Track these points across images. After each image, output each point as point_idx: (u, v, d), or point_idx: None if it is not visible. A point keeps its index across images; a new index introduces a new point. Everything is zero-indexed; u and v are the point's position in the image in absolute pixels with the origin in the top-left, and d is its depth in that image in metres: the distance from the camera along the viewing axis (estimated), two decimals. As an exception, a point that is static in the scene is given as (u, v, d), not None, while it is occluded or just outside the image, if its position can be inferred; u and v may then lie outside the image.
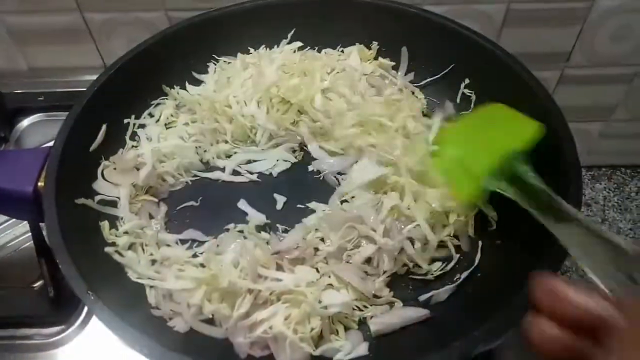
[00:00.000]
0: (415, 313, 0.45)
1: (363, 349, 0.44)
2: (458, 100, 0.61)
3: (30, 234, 0.60)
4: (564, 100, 0.77)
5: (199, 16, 0.63)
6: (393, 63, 0.64)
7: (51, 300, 0.56)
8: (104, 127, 0.55)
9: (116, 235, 0.51)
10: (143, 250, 0.50)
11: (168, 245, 0.51)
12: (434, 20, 0.61)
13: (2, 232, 0.63)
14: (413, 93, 0.62)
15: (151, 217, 0.53)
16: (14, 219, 0.63)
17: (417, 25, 0.62)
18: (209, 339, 0.45)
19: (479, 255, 0.49)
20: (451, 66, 0.61)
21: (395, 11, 0.62)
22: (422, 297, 0.47)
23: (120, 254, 0.49)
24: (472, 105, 0.60)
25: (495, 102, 0.57)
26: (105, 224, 0.51)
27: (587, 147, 0.88)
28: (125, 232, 0.51)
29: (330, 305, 0.44)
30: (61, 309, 0.56)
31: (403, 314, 0.45)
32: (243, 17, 0.64)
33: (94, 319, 0.55)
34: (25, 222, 0.61)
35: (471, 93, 0.60)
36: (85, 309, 0.56)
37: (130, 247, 0.50)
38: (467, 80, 0.60)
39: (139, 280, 0.47)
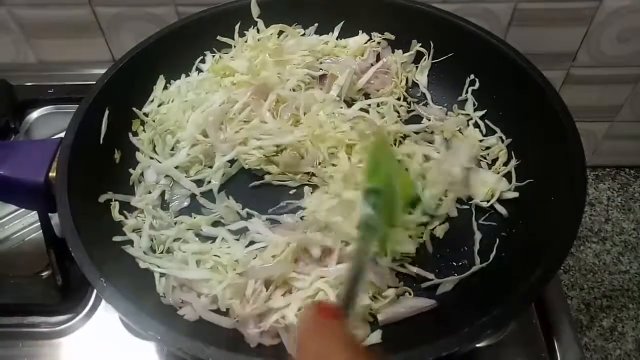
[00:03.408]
0: (422, 303, 0.46)
1: (376, 337, 0.44)
2: (463, 95, 0.61)
3: (38, 223, 0.61)
4: (569, 100, 0.77)
5: (208, 10, 0.64)
6: (392, 37, 0.64)
7: (59, 288, 0.57)
8: (106, 113, 0.55)
9: (125, 217, 0.52)
10: (153, 238, 0.51)
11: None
12: (440, 16, 0.61)
13: (11, 222, 0.64)
14: (407, 81, 0.63)
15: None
16: (23, 209, 0.63)
17: (423, 21, 0.62)
18: (219, 327, 0.45)
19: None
20: (457, 62, 0.62)
21: (402, 7, 0.63)
22: (426, 284, 0.48)
23: (130, 244, 0.50)
24: (476, 103, 0.61)
25: (501, 97, 0.58)
26: (115, 205, 0.52)
27: (592, 147, 0.88)
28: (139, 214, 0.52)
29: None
30: (69, 297, 0.56)
31: (410, 304, 0.45)
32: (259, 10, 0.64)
33: (101, 308, 0.56)
34: (34, 212, 0.62)
35: (476, 88, 0.61)
36: (93, 297, 0.56)
37: (138, 230, 0.51)
38: (472, 76, 0.61)
39: (158, 269, 0.48)
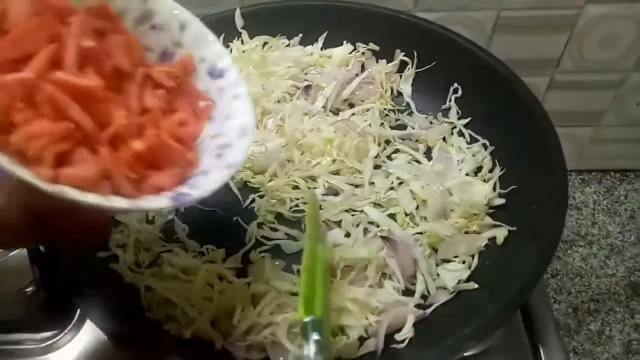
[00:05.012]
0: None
1: (372, 344, 0.44)
2: (447, 104, 0.62)
3: (23, 239, 0.60)
4: (554, 105, 0.79)
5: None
6: (377, 48, 0.65)
7: (43, 305, 0.56)
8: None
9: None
10: (139, 251, 0.51)
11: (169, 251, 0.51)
12: (423, 26, 0.62)
13: (-5, 237, 0.63)
14: (392, 90, 0.64)
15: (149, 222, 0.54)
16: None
17: (407, 31, 0.63)
18: (205, 342, 0.45)
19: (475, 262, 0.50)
20: (440, 71, 0.62)
21: (385, 17, 0.63)
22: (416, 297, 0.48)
23: (115, 259, 0.49)
24: (459, 111, 0.61)
25: (484, 106, 0.58)
26: None
27: (577, 151, 0.89)
28: (121, 231, 0.52)
29: (347, 334, 0.45)
30: (54, 313, 0.56)
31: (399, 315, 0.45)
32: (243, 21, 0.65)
33: (86, 324, 0.55)
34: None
35: (460, 97, 0.61)
36: (78, 314, 0.56)
37: (123, 246, 0.51)
38: (455, 85, 0.61)
39: (164, 294, 0.47)
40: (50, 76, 0.31)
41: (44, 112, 0.30)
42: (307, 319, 0.37)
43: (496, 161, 0.56)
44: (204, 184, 0.35)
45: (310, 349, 0.35)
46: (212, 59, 0.39)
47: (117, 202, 0.31)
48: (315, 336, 0.36)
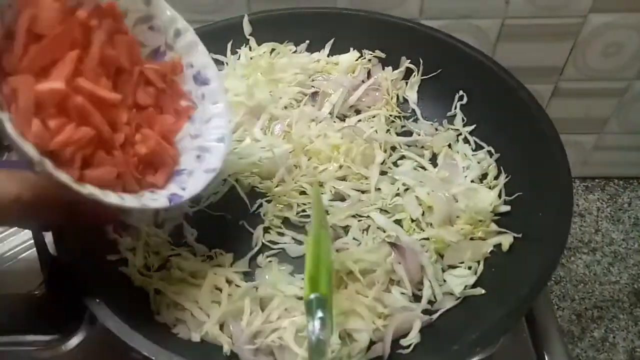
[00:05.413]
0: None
1: (380, 349, 0.45)
2: (452, 111, 0.62)
3: (32, 241, 0.61)
4: (558, 112, 0.79)
5: (199, 28, 0.63)
6: (383, 55, 0.65)
7: (52, 307, 0.57)
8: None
9: (120, 236, 0.52)
10: (148, 254, 0.51)
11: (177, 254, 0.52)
12: (428, 34, 0.63)
13: (5, 240, 0.64)
14: (397, 97, 0.64)
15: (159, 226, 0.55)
16: (15, 227, 0.63)
17: (412, 38, 0.63)
18: (214, 346, 0.46)
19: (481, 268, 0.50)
20: (445, 78, 0.63)
21: (391, 24, 0.64)
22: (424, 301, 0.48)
23: (125, 262, 0.50)
24: (465, 118, 0.62)
25: (489, 113, 0.59)
26: None
27: (581, 158, 0.90)
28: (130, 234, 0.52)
29: (352, 337, 0.45)
30: (62, 316, 0.56)
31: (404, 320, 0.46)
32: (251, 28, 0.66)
33: (95, 327, 0.56)
34: (28, 230, 0.62)
35: (465, 104, 0.62)
36: (87, 316, 0.56)
37: (133, 249, 0.51)
38: (460, 92, 0.62)
39: (173, 297, 0.48)
40: (76, 85, 0.34)
41: (72, 118, 0.33)
42: (311, 296, 0.37)
43: (501, 168, 0.57)
44: (189, 185, 0.40)
45: (315, 326, 0.36)
46: (199, 66, 0.44)
47: (129, 201, 0.36)
48: (319, 313, 0.36)
